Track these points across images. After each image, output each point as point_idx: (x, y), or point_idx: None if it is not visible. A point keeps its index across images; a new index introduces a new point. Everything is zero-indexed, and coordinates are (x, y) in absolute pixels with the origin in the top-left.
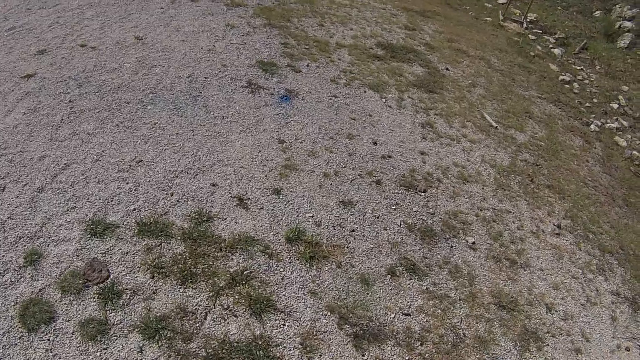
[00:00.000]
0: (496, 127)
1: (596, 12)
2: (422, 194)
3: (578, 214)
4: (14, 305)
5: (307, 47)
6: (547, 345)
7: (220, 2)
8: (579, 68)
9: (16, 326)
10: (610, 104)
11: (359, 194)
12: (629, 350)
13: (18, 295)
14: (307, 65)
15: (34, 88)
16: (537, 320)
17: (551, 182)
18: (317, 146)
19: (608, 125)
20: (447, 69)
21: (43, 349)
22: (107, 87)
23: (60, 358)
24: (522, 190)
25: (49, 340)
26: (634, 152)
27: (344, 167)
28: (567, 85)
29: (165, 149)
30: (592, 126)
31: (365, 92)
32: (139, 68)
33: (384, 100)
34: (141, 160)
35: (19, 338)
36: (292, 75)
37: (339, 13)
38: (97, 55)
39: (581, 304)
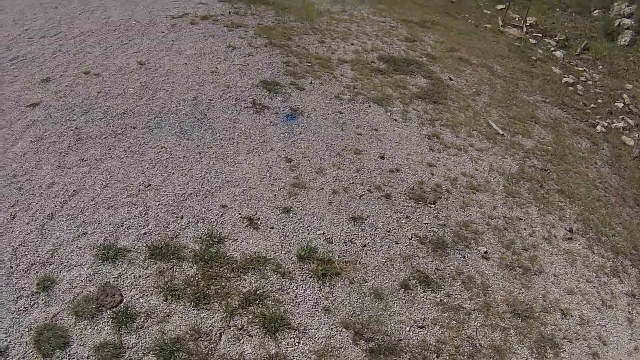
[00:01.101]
0: (503, 134)
1: (595, 12)
2: (432, 205)
3: (589, 217)
4: (28, 332)
5: (310, 64)
6: (564, 351)
7: (220, 24)
8: (581, 69)
9: (31, 352)
10: (615, 104)
11: (368, 209)
12: None
13: (32, 321)
14: (311, 83)
15: (39, 116)
16: (553, 327)
17: (561, 187)
18: (325, 163)
19: (614, 125)
20: (450, 78)
21: None
22: (113, 112)
23: None
24: (532, 196)
25: None
26: None
27: (353, 182)
28: (570, 88)
29: (173, 173)
30: (599, 127)
31: (369, 106)
32: (143, 93)
33: (389, 113)
34: (150, 185)
35: None
36: (296, 94)
37: (338, 29)
38: (100, 82)
39: (597, 308)
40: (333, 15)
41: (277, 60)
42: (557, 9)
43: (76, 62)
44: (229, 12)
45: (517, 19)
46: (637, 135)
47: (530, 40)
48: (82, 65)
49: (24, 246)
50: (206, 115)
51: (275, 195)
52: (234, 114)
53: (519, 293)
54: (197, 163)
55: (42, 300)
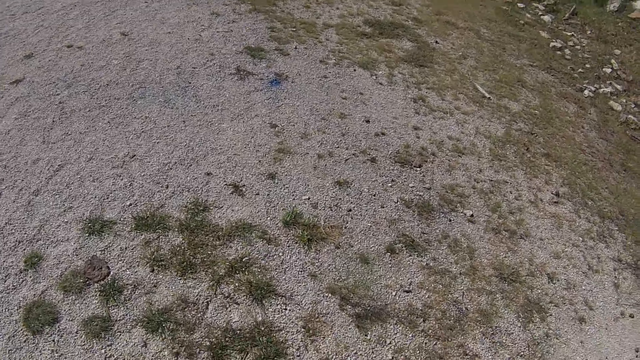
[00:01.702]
0: (489, 97)
1: None
2: (418, 169)
3: (576, 181)
4: (17, 310)
5: (294, 29)
6: (551, 315)
7: None
8: (569, 34)
9: (21, 330)
10: (603, 69)
11: (354, 173)
12: (632, 317)
13: (21, 299)
14: (295, 48)
15: (23, 93)
16: (540, 291)
17: (547, 150)
18: (310, 128)
19: (602, 90)
20: (436, 42)
21: (49, 350)
22: (96, 85)
23: (66, 358)
24: (519, 160)
25: (54, 341)
26: (630, 116)
27: (338, 147)
28: (558, 52)
29: (157, 142)
30: (586, 92)
31: (355, 70)
32: (126, 64)
33: (374, 77)
34: (134, 155)
35: (25, 341)
36: (280, 59)
37: None
38: (84, 55)
39: (583, 272)
40: None
41: (261, 26)
42: None
43: (59, 37)
44: None
45: None
46: (624, 101)
47: (518, 4)
48: (64, 39)
49: (10, 224)
50: (190, 83)
51: (260, 161)
52: (218, 81)
53: (505, 257)
54: (181, 132)
55: (30, 277)
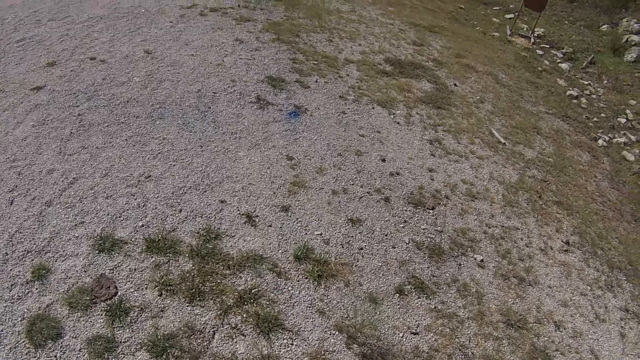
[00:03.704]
0: (504, 143)
1: (603, 26)
2: (431, 211)
3: (586, 230)
4: (21, 321)
5: (316, 62)
6: None
7: (229, 17)
8: (586, 83)
9: (23, 342)
10: (618, 119)
11: (367, 212)
12: None
13: (25, 310)
14: (316, 81)
15: (43, 100)
16: (546, 338)
17: (559, 198)
18: (326, 163)
19: (616, 139)
20: (455, 84)
21: None
22: (116, 101)
23: None
24: (531, 206)
25: (55, 357)
26: None
27: (353, 184)
28: (574, 100)
29: (174, 165)
30: (600, 141)
31: (373, 108)
32: (148, 82)
33: (392, 116)
34: (150, 176)
35: (26, 354)
36: (300, 91)
37: (347, 28)
38: (106, 69)
39: (590, 321)
40: (342, 14)
41: (283, 56)
42: (566, 22)
43: (83, 47)
44: (239, 5)
45: (525, 29)
46: (637, 151)
47: (537, 51)
48: (88, 50)
49: (20, 233)
50: (210, 108)
51: (274, 192)
52: (238, 109)
53: (513, 303)
54: (198, 156)
55: (37, 289)
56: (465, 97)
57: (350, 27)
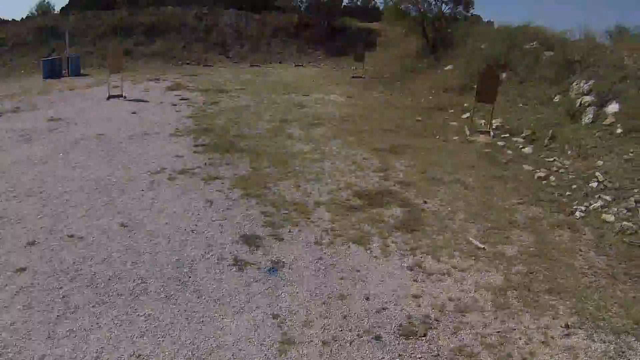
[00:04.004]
0: (484, 247)
1: (556, 98)
2: (423, 338)
3: (583, 307)
4: None
5: (287, 212)
6: None
7: (197, 177)
8: (551, 160)
9: None
10: (590, 184)
11: (360, 354)
12: None
13: None
14: (289, 232)
15: (26, 283)
16: None
17: (549, 285)
18: (311, 315)
19: (592, 206)
20: (424, 202)
21: None
22: (99, 279)
23: None
24: (522, 303)
25: None
26: (624, 222)
27: (341, 330)
28: (544, 181)
29: (162, 341)
30: (577, 213)
31: (349, 247)
32: (127, 258)
33: (368, 252)
34: (140, 355)
35: None
36: (276, 245)
37: (312, 169)
38: (85, 246)
39: None
40: (306, 155)
41: (254, 211)
42: (520, 105)
43: (60, 225)
44: (205, 163)
45: (483, 124)
46: (616, 209)
47: (499, 143)
48: (65, 227)
49: None
50: (190, 277)
51: (265, 355)
52: (218, 274)
53: None
54: (184, 329)
55: None
56: (437, 212)
57: (315, 167)
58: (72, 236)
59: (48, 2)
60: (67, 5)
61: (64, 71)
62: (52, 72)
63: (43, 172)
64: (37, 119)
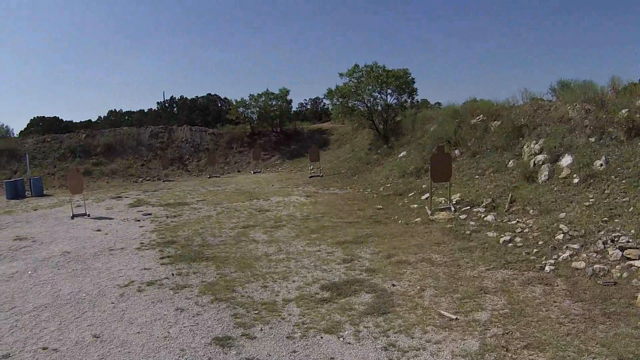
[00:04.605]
0: (456, 318)
1: (510, 163)
2: None
3: (565, 356)
4: None
5: (257, 312)
6: None
7: (166, 287)
8: (514, 222)
9: None
10: (556, 237)
11: None
12: None
13: None
14: (261, 330)
15: None
16: None
17: (527, 341)
18: None
19: (561, 257)
20: (393, 285)
21: None
22: None
23: None
24: None
25: None
26: (595, 266)
27: None
28: (510, 244)
29: None
30: (547, 267)
31: (322, 338)
32: None
33: (341, 339)
34: None
35: None
36: (249, 344)
37: (278, 269)
38: (60, 357)
39: None
40: (271, 257)
41: (225, 314)
42: (476, 176)
43: (33, 338)
44: (172, 274)
45: (443, 201)
46: (585, 255)
47: (460, 216)
48: (39, 340)
49: None
50: None
51: None
52: None
53: None
54: None
55: None
56: (406, 292)
57: (281, 267)
58: (46, 348)
59: (7, 127)
60: (25, 129)
61: (26, 192)
62: (15, 193)
63: (13, 289)
64: (3, 238)
